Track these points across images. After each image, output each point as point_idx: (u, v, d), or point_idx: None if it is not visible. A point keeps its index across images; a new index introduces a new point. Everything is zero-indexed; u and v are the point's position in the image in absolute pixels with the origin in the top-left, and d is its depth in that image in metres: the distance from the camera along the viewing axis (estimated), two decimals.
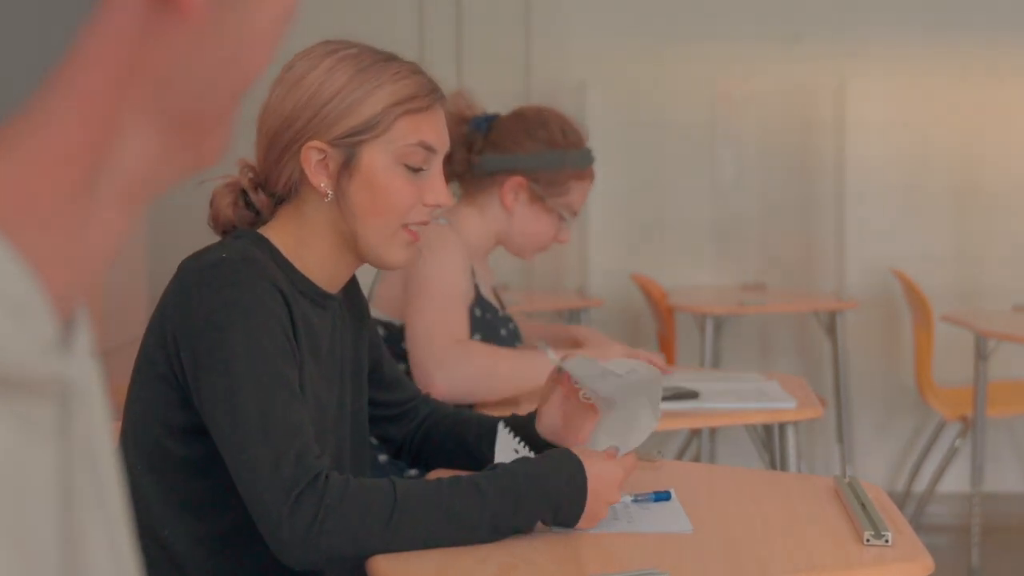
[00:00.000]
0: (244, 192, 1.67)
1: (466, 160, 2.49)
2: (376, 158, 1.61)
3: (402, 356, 2.39)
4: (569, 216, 2.51)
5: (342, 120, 1.60)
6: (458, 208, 2.48)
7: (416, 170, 1.64)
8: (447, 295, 2.31)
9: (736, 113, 4.84)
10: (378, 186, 1.62)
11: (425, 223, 1.67)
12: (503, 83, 4.75)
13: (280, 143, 1.62)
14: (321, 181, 1.61)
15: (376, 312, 2.41)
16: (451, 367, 2.24)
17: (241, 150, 1.66)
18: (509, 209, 2.47)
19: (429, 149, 1.64)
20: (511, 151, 2.46)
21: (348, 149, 1.61)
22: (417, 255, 1.67)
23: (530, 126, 2.48)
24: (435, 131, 1.65)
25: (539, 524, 1.51)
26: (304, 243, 1.64)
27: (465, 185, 2.51)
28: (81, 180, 0.45)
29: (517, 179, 2.46)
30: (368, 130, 1.60)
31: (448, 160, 2.47)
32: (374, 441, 1.90)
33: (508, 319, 2.57)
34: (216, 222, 1.69)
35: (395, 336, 2.39)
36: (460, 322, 2.32)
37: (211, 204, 1.69)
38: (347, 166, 1.61)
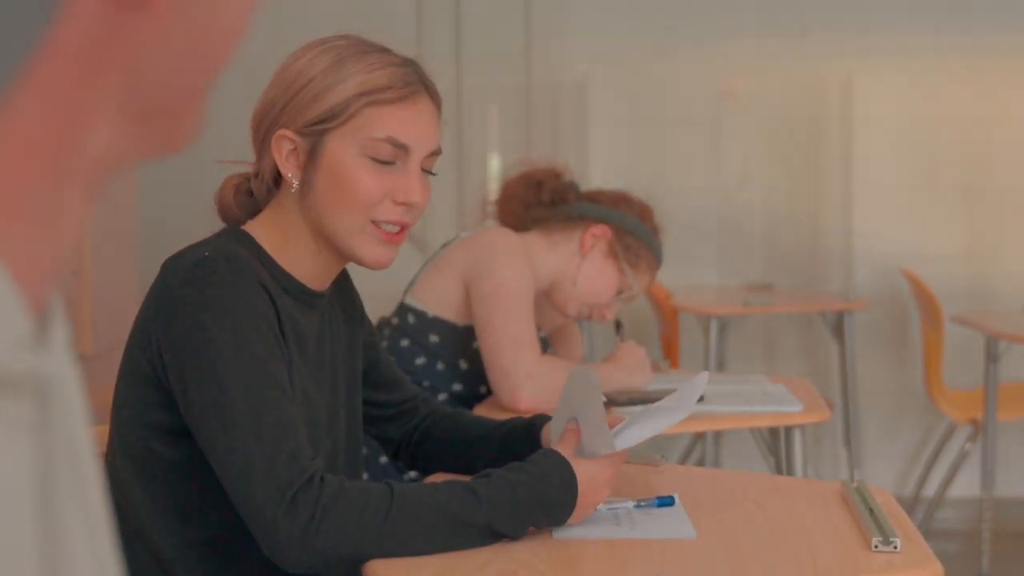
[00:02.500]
0: (248, 180, 1.67)
1: (557, 197, 2.60)
2: (340, 148, 1.57)
3: (425, 345, 2.44)
4: (629, 290, 2.58)
5: (310, 108, 1.57)
6: (531, 237, 2.57)
7: (385, 163, 1.58)
8: (527, 302, 2.41)
9: (741, 109, 4.80)
10: (341, 177, 1.57)
11: (399, 224, 1.60)
12: (503, 79, 4.72)
13: (260, 132, 1.62)
14: (289, 171, 1.59)
15: (411, 300, 2.50)
16: (540, 380, 2.34)
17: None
18: (584, 253, 2.56)
19: (397, 145, 1.58)
20: (607, 206, 2.59)
21: (314, 138, 1.58)
22: (394, 256, 1.62)
23: (630, 198, 2.64)
24: (407, 124, 1.59)
25: (531, 528, 1.50)
26: (287, 239, 1.62)
27: (546, 221, 2.60)
28: (50, 172, 0.45)
29: (604, 227, 2.56)
30: (332, 118, 1.57)
31: (538, 191, 2.53)
32: (373, 441, 1.89)
33: (546, 342, 2.64)
34: (220, 206, 1.68)
35: (423, 326, 2.47)
36: (535, 331, 2.43)
37: (219, 189, 1.69)
38: (312, 156, 1.58)
